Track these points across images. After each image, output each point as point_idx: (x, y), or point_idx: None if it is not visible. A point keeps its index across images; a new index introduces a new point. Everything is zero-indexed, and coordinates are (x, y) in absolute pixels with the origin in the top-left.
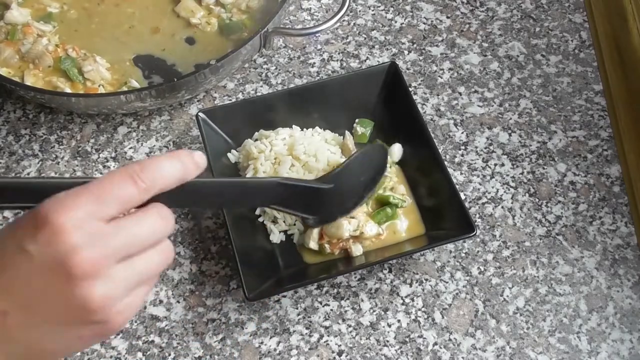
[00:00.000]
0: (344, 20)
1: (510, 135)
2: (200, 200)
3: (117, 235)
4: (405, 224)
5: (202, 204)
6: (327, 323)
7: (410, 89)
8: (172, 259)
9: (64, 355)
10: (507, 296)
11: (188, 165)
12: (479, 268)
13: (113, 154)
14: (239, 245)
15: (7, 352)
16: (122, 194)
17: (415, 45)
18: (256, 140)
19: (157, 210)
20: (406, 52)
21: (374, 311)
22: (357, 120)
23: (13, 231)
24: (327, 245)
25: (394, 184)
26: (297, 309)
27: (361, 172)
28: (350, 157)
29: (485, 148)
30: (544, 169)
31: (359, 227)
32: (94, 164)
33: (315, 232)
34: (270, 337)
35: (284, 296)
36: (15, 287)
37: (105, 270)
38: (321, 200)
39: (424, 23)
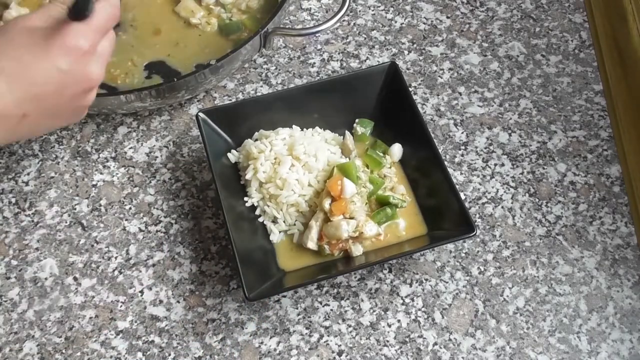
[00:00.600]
0: (344, 20)
1: (510, 135)
2: None
3: (107, 42)
4: (405, 224)
5: None
6: (327, 323)
7: (410, 89)
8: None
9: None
10: (507, 296)
11: None
12: (479, 268)
13: (113, 154)
14: (239, 245)
15: (18, 137)
16: (112, 21)
17: (415, 45)
18: (256, 140)
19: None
20: (406, 52)
21: (374, 311)
22: (357, 120)
23: (46, 52)
24: (326, 246)
25: (394, 184)
26: (297, 309)
27: None
28: None
29: (485, 148)
30: (544, 169)
31: (359, 228)
32: (94, 164)
33: (314, 232)
34: (270, 337)
35: (284, 296)
36: (39, 93)
37: (93, 55)
38: None
39: (424, 23)
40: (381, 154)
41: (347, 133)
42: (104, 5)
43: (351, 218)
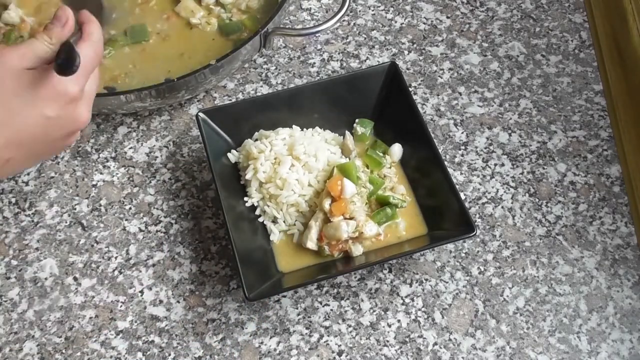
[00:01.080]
0: (344, 20)
1: (510, 135)
2: None
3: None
4: (405, 224)
5: None
6: (327, 323)
7: (410, 89)
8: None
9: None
10: (507, 296)
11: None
12: (479, 268)
13: (113, 154)
14: (239, 245)
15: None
16: (98, 62)
17: (415, 45)
18: (256, 140)
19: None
20: (406, 52)
21: (374, 311)
22: (357, 120)
23: (34, 98)
24: (326, 247)
25: (394, 184)
26: (297, 309)
27: None
28: None
29: (485, 148)
30: (544, 169)
31: (358, 228)
32: (94, 164)
33: (314, 232)
34: (270, 337)
35: (284, 296)
36: (24, 139)
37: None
38: None
39: (424, 23)
40: (381, 154)
41: (347, 133)
42: (87, 46)
43: (351, 218)
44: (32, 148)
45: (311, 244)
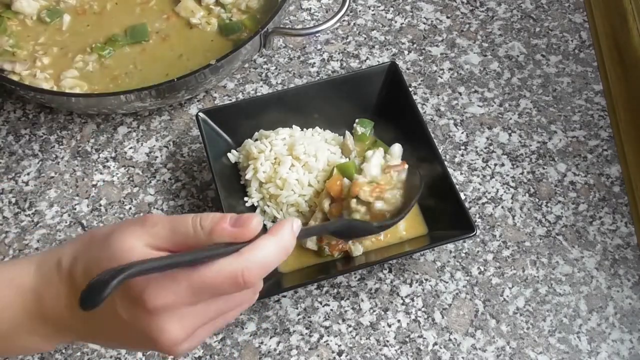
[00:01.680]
0: (344, 20)
1: (510, 135)
2: None
3: (205, 313)
4: (405, 224)
5: None
6: (327, 323)
7: (410, 89)
8: (247, 307)
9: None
10: (507, 296)
11: (288, 247)
12: (479, 268)
13: (113, 154)
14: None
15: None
16: (221, 291)
17: (415, 45)
18: (256, 140)
19: (253, 290)
20: (406, 52)
21: (374, 311)
22: (357, 120)
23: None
24: (326, 247)
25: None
26: (297, 309)
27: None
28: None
29: (485, 148)
30: (544, 169)
31: None
32: (94, 163)
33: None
34: (270, 337)
35: (284, 296)
36: (103, 334)
37: (187, 337)
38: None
39: (424, 23)
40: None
41: (347, 133)
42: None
43: None
44: (110, 342)
45: (311, 243)
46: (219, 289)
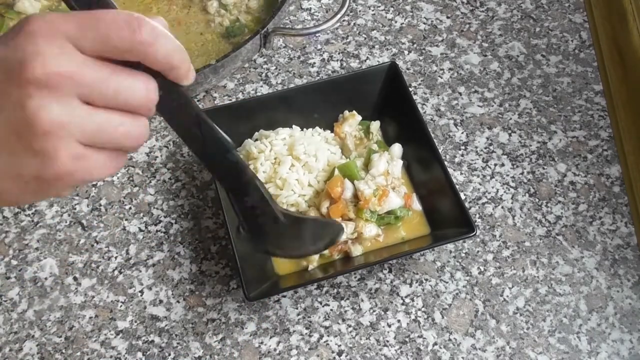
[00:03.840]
0: (344, 20)
1: (510, 135)
2: (177, 114)
3: (92, 72)
4: (405, 224)
5: (177, 123)
6: (327, 323)
7: (410, 89)
8: (144, 139)
9: None
10: (507, 296)
11: (184, 62)
12: (479, 268)
13: None
14: (239, 245)
15: None
16: (111, 34)
17: (415, 45)
18: (256, 140)
19: (145, 78)
20: (406, 52)
21: (374, 311)
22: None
23: None
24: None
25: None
26: (297, 309)
27: (314, 236)
28: (311, 217)
29: (485, 148)
30: (544, 169)
31: (358, 229)
32: None
33: None
34: (270, 337)
35: (284, 296)
36: None
37: (65, 93)
38: (266, 222)
39: (424, 23)
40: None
41: (347, 133)
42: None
43: (350, 220)
44: None
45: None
46: (109, 28)
